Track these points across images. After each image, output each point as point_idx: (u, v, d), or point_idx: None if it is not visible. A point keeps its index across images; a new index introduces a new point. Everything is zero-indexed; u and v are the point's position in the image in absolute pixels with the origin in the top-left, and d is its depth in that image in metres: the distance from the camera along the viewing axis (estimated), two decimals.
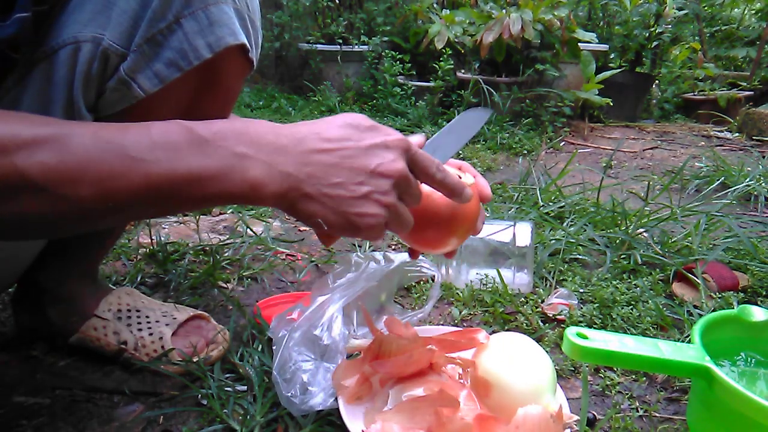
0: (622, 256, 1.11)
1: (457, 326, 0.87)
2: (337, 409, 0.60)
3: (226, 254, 1.10)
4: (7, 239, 0.66)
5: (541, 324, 0.87)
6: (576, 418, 0.61)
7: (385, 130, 0.49)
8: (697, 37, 3.95)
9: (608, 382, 0.74)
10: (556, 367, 0.70)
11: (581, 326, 0.70)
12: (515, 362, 0.61)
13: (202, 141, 0.43)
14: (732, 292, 0.96)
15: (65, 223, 0.45)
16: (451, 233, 0.58)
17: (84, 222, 0.46)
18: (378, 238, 0.50)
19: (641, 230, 1.23)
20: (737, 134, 2.78)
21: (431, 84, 2.83)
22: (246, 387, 0.69)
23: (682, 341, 0.80)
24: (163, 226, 1.28)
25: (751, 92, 3.45)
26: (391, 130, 0.49)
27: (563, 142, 2.51)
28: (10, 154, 0.38)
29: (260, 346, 0.76)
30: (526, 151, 2.29)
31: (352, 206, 0.46)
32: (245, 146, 0.44)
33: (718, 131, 2.89)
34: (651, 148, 2.50)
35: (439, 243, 0.59)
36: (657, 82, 3.70)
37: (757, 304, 0.73)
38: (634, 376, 0.75)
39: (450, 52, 2.76)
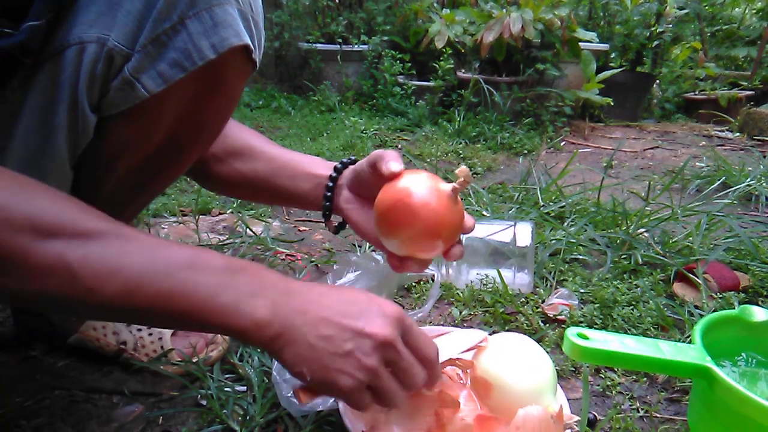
0: (623, 256, 1.11)
1: (457, 326, 0.87)
2: (337, 409, 0.60)
3: (226, 254, 1.09)
4: (19, 306, 0.71)
5: (542, 324, 0.87)
6: (576, 418, 0.61)
7: (383, 302, 0.51)
8: (698, 37, 3.95)
9: (609, 383, 0.73)
10: (557, 368, 0.70)
11: (582, 326, 0.69)
12: (516, 363, 0.61)
13: (227, 272, 0.46)
14: (733, 292, 0.96)
15: (75, 309, 0.48)
16: (435, 238, 0.56)
17: (94, 314, 0.51)
18: (360, 405, 0.50)
19: (642, 230, 1.22)
20: (738, 134, 2.77)
21: (431, 83, 2.83)
22: (246, 387, 0.69)
23: (683, 341, 0.80)
24: (162, 226, 1.28)
25: (752, 92, 3.45)
26: (389, 304, 0.51)
27: (564, 142, 2.51)
28: (61, 241, 0.41)
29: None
30: (526, 151, 2.29)
31: (334, 361, 0.48)
32: (258, 289, 0.47)
33: (719, 131, 2.89)
34: (652, 148, 2.50)
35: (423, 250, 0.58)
36: (658, 81, 3.69)
37: (758, 305, 0.73)
38: (634, 377, 0.75)
39: (450, 51, 2.76)
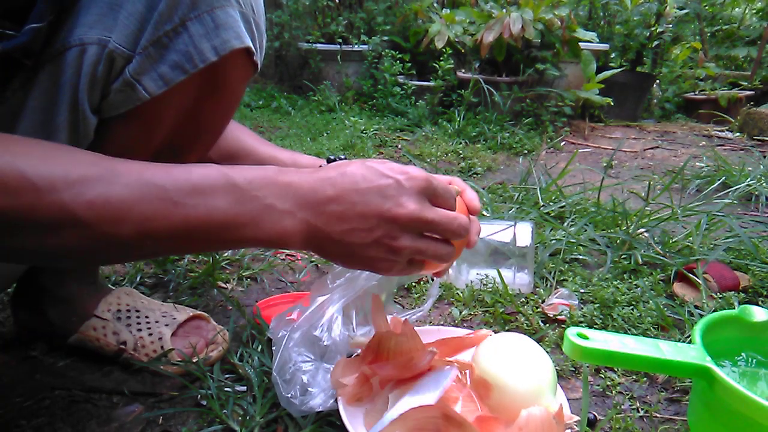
0: (623, 256, 1.11)
1: (458, 326, 0.87)
2: (337, 410, 0.60)
3: (226, 254, 1.09)
4: (44, 265, 0.69)
5: (542, 324, 0.87)
6: (576, 418, 0.61)
7: (402, 169, 0.49)
8: (697, 37, 3.95)
9: (609, 383, 0.73)
10: (557, 368, 0.70)
11: (582, 326, 0.69)
12: (516, 363, 0.61)
13: (238, 189, 0.45)
14: (733, 292, 0.96)
15: (101, 256, 0.47)
16: None
17: (120, 257, 0.49)
18: (408, 273, 0.51)
19: (642, 230, 1.22)
20: (738, 134, 2.77)
21: (431, 83, 2.83)
22: (246, 387, 0.69)
23: (683, 341, 0.80)
24: None
25: (752, 92, 3.45)
26: (410, 168, 0.49)
27: (564, 142, 2.51)
28: (60, 192, 0.40)
29: (260, 347, 0.76)
30: (526, 151, 2.29)
31: (365, 251, 0.48)
32: (274, 198, 0.46)
33: (719, 131, 2.89)
34: (652, 148, 2.50)
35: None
36: (658, 81, 3.69)
37: (758, 305, 0.73)
38: (634, 377, 0.75)
39: (450, 51, 2.76)
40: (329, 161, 0.68)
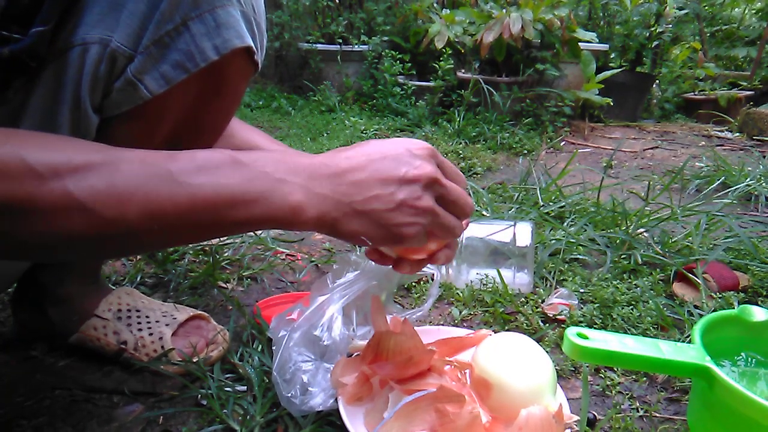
0: (623, 256, 1.11)
1: (458, 326, 0.87)
2: (337, 409, 0.60)
3: (226, 254, 1.10)
4: (52, 260, 0.68)
5: (542, 324, 0.87)
6: (576, 418, 0.61)
7: (406, 140, 0.50)
8: (697, 37, 3.95)
9: (608, 383, 0.74)
10: (557, 368, 0.70)
11: (581, 326, 0.69)
12: (515, 362, 0.61)
13: (244, 166, 0.44)
14: (732, 292, 0.96)
15: (109, 245, 0.46)
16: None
17: (127, 245, 0.47)
18: (422, 246, 0.52)
19: (642, 230, 1.23)
20: (738, 134, 2.78)
21: (431, 84, 2.83)
22: (246, 387, 0.69)
23: (683, 341, 0.80)
24: None
25: (752, 92, 3.46)
26: (414, 140, 0.51)
27: (563, 142, 2.51)
28: (63, 178, 0.40)
29: (260, 347, 0.76)
30: (526, 151, 2.29)
31: (390, 218, 0.48)
32: (284, 173, 0.46)
33: (719, 131, 2.89)
34: (651, 148, 2.50)
35: (417, 249, 0.57)
36: (657, 81, 3.70)
37: (757, 304, 0.73)
38: (634, 377, 0.75)
39: (450, 51, 2.76)
40: None
